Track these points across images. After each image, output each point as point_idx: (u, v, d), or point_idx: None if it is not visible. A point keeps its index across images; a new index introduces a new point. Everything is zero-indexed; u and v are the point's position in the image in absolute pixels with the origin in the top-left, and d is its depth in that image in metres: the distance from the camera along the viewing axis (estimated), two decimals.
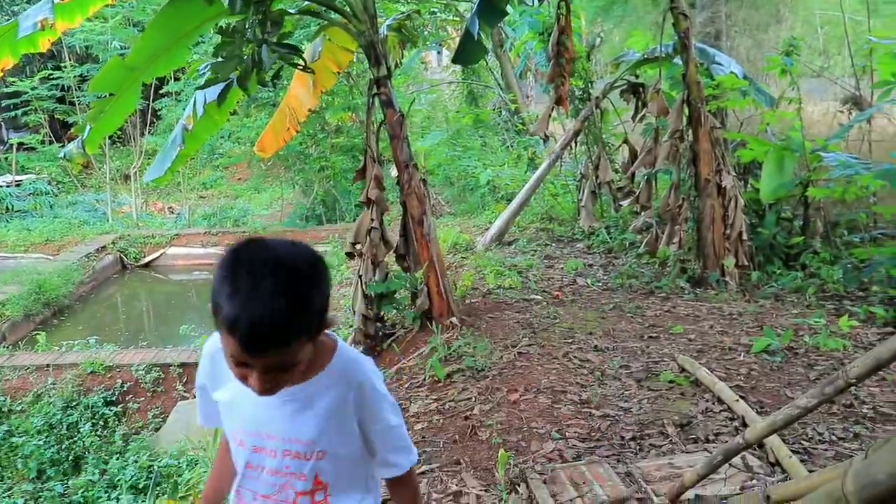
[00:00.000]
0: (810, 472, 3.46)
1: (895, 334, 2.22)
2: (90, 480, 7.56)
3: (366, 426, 1.80)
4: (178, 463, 7.26)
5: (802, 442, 4.05)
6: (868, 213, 7.83)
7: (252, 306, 1.37)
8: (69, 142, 6.56)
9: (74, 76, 18.68)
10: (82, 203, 18.69)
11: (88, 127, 6.18)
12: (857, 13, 11.22)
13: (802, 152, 7.42)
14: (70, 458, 8.03)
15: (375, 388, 1.80)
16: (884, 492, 1.77)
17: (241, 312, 1.37)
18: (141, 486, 7.33)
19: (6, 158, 19.72)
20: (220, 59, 5.02)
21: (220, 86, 5.39)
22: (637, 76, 9.52)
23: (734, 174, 7.66)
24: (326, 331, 1.69)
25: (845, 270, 6.98)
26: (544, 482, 3.75)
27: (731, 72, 8.15)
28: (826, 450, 3.95)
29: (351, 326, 6.80)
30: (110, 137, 18.04)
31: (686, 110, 7.49)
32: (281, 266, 1.44)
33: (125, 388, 8.59)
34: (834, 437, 4.10)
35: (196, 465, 6.57)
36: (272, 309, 1.37)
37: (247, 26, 4.88)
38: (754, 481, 3.55)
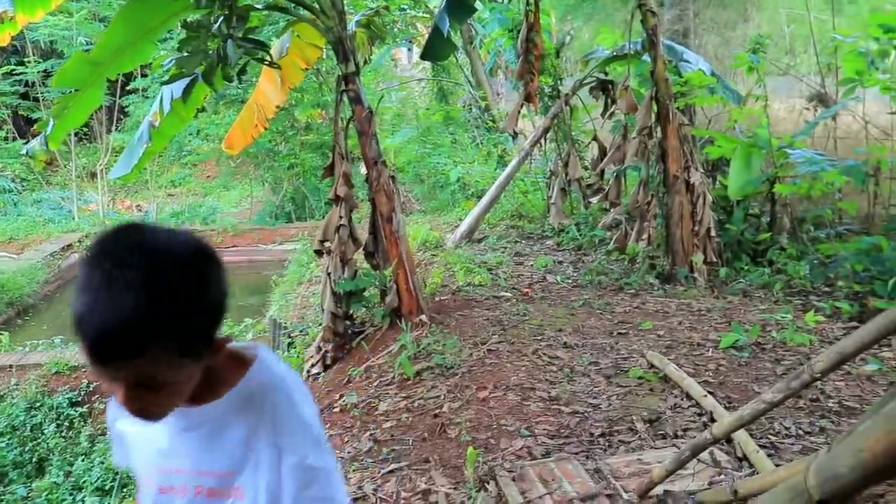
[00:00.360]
0: (777, 466, 3.48)
1: (859, 328, 2.24)
2: (54, 483, 7.46)
3: (280, 463, 1.37)
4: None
5: (769, 436, 4.07)
6: (833, 209, 7.92)
7: (102, 302, 1.11)
8: (33, 138, 6.46)
9: (38, 71, 18.43)
10: (47, 201, 18.44)
11: (52, 123, 6.08)
12: (823, 12, 11.35)
13: (769, 149, 7.48)
14: (34, 460, 7.92)
15: (294, 411, 1.40)
16: (845, 485, 1.77)
17: (89, 308, 1.12)
18: (107, 487, 7.24)
19: None
20: (185, 53, 4.95)
21: (186, 81, 5.32)
22: (606, 73, 9.57)
23: (702, 171, 7.71)
24: (239, 345, 1.44)
25: (811, 266, 7.05)
26: (513, 480, 3.74)
27: (699, 69, 8.20)
28: (792, 444, 3.98)
29: (320, 325, 6.76)
30: (76, 134, 17.90)
31: (654, 107, 7.52)
32: (149, 256, 1.15)
33: (91, 389, 8.48)
34: (800, 432, 4.13)
35: None
36: (126, 307, 1.10)
37: (212, 21, 4.81)
38: (722, 476, 3.56)
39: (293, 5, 6.08)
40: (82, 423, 8.25)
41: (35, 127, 6.45)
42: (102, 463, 7.43)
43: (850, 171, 6.75)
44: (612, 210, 8.49)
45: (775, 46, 12.92)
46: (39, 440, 8.02)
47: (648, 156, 7.76)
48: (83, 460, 7.63)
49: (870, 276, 6.36)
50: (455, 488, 3.85)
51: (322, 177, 6.78)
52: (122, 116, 20.12)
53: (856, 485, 1.77)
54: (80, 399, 8.41)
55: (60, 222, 16.77)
